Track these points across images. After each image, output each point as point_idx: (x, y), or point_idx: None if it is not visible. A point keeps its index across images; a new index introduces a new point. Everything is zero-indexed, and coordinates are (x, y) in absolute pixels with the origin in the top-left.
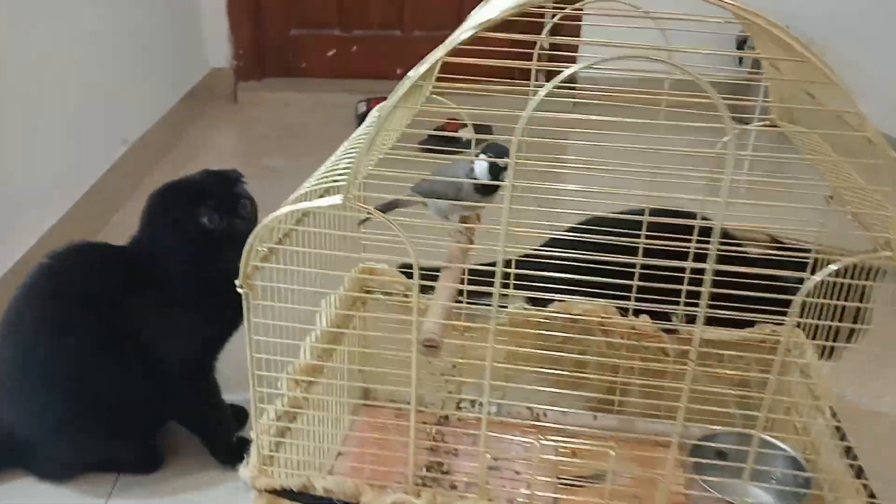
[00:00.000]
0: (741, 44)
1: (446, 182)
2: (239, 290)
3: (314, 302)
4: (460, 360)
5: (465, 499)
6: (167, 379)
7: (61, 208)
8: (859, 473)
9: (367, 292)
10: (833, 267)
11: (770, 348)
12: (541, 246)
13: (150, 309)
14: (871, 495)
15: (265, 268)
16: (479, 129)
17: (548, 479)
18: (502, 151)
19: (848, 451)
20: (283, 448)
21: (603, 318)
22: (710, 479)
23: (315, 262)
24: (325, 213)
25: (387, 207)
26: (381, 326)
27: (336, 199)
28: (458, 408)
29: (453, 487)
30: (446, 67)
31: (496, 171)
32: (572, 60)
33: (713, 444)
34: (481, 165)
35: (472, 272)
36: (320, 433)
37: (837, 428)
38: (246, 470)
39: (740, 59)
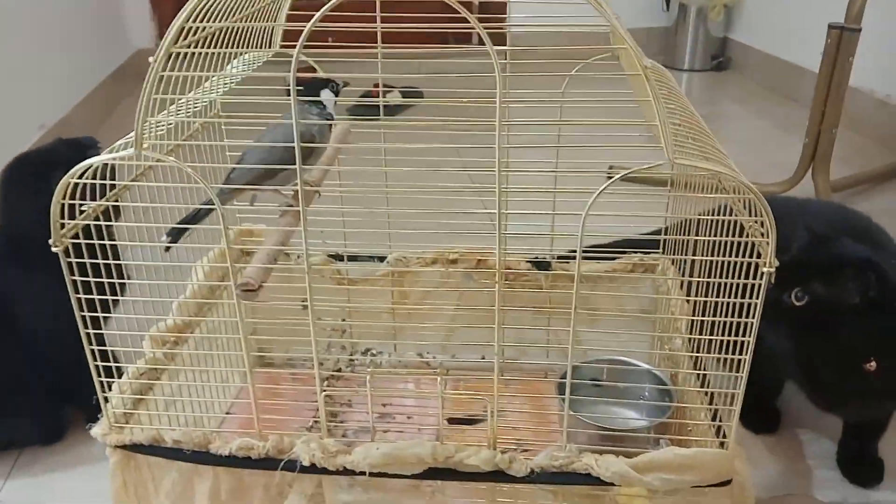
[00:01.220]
0: None
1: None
2: (54, 248)
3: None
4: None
5: (308, 437)
6: (50, 351)
7: None
8: (703, 382)
9: (246, 253)
10: (617, 177)
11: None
12: None
13: (23, 284)
14: (711, 400)
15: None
16: (409, 93)
17: (435, 419)
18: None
19: (696, 362)
20: (145, 405)
21: (480, 257)
22: (560, 397)
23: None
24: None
25: (178, 234)
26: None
27: (128, 152)
28: (352, 361)
29: (344, 435)
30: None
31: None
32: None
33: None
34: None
35: None
36: (197, 390)
37: (690, 340)
38: (98, 428)
39: (667, 4)
